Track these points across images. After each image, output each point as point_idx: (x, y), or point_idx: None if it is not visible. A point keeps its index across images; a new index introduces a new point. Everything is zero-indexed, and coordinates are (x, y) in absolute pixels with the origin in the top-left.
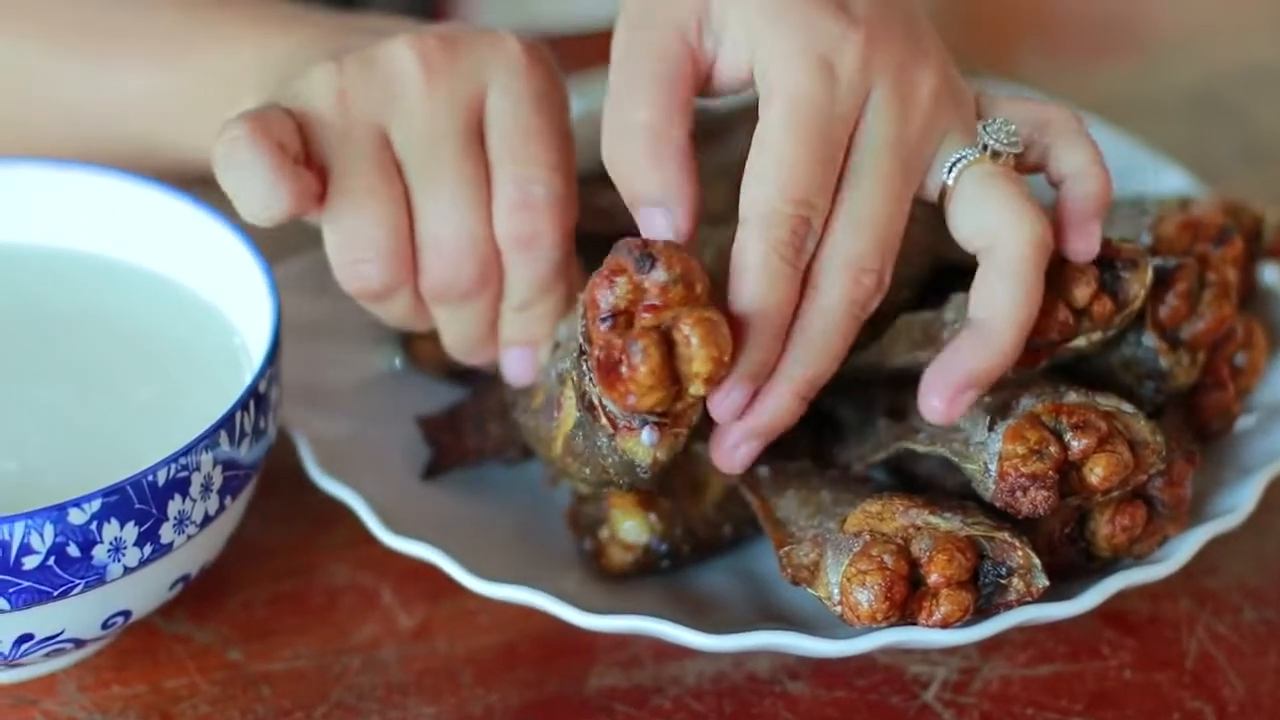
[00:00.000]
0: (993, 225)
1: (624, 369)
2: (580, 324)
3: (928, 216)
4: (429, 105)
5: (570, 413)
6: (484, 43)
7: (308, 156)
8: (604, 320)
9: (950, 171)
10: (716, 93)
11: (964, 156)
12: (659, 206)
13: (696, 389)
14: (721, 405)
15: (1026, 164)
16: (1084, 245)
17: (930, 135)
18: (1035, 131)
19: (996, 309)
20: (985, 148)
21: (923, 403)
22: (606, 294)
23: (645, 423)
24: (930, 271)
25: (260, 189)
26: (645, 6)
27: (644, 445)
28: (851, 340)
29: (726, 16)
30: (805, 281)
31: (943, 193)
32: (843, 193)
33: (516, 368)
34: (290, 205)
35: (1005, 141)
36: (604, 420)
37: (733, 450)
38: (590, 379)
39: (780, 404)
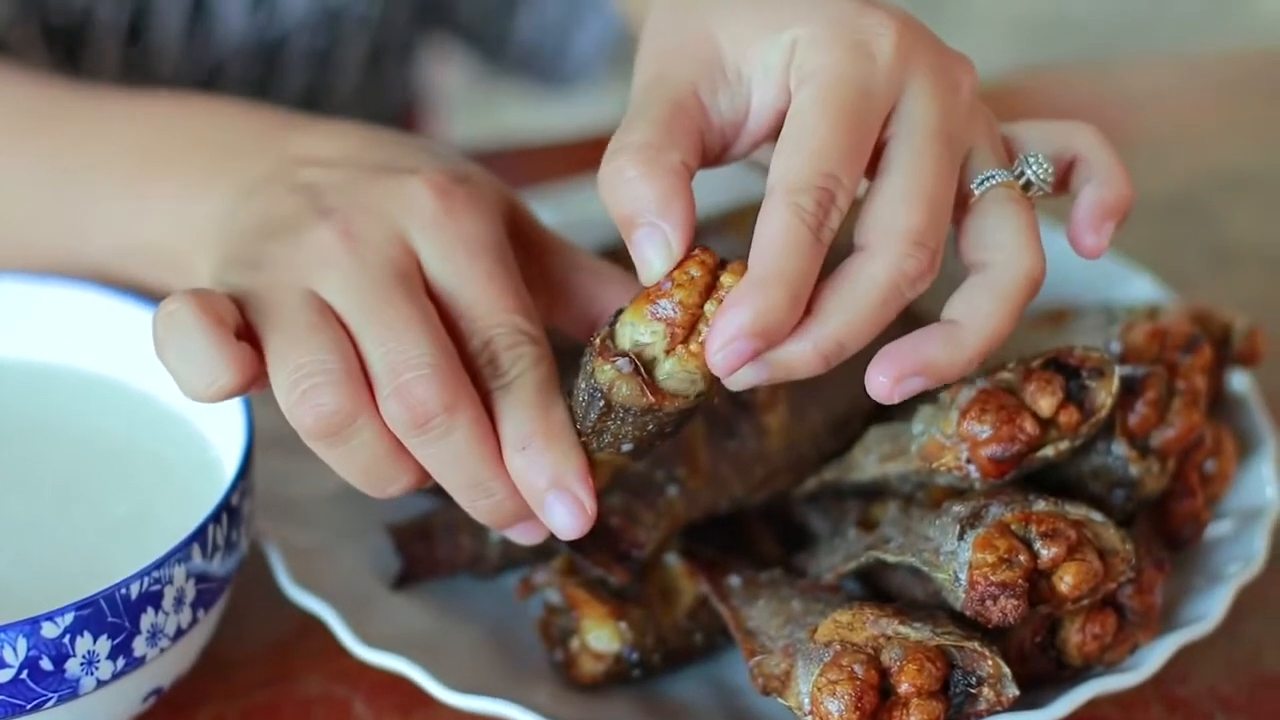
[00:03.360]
0: (1000, 245)
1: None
2: None
3: (891, 330)
4: (356, 262)
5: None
6: (394, 201)
7: (247, 333)
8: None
9: (980, 185)
10: (756, 136)
11: (995, 176)
12: (649, 226)
13: (705, 328)
14: (721, 351)
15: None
16: (1094, 242)
17: (968, 133)
18: (1061, 150)
19: (975, 318)
20: (1022, 176)
21: (870, 378)
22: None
23: (629, 358)
24: None
25: (204, 363)
26: (658, 71)
27: (615, 370)
28: (890, 316)
29: (748, 54)
30: (854, 249)
31: (963, 201)
32: (885, 171)
33: (561, 517)
34: (235, 379)
35: (1042, 178)
36: (596, 341)
37: (735, 356)
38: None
39: (801, 353)
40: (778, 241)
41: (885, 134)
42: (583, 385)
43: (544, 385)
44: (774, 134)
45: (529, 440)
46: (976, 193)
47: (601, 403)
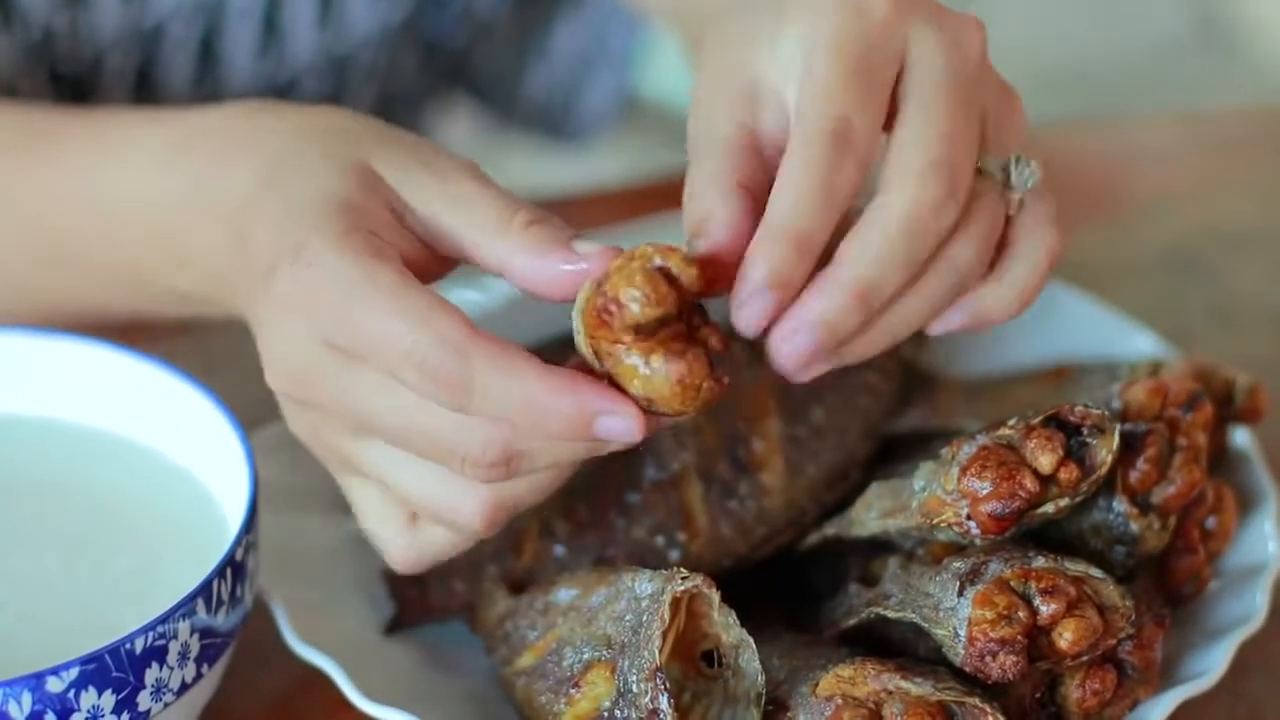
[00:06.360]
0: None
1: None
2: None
3: (879, 388)
4: None
5: (597, 693)
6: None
7: None
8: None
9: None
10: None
11: (987, 164)
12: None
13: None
14: (743, 308)
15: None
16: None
17: (982, 89)
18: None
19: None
20: (1006, 173)
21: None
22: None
23: None
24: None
25: None
26: (705, 123)
27: None
28: (921, 250)
29: (768, 65)
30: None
31: None
32: (899, 123)
33: None
34: None
35: (1025, 184)
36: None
37: (785, 340)
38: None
39: (834, 300)
40: (784, 195)
41: (897, 91)
42: None
43: None
44: None
45: None
46: None
47: None
